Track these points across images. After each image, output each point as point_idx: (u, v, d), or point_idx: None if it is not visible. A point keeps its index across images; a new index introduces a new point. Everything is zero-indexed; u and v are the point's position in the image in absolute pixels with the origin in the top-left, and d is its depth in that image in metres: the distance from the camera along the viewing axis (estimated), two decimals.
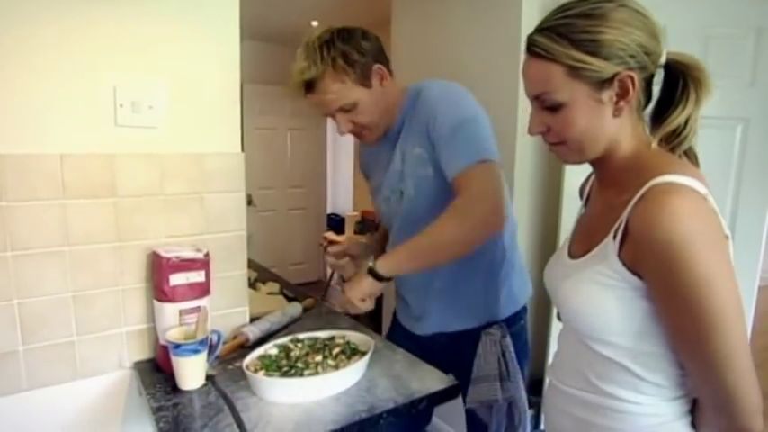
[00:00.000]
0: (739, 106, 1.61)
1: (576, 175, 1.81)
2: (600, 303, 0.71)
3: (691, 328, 0.64)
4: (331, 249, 1.33)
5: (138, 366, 1.12)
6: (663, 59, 0.72)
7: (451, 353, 1.26)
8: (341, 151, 5.68)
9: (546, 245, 1.95)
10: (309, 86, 1.13)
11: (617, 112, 0.71)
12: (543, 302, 1.82)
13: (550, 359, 1.79)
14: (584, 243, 0.78)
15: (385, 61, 1.18)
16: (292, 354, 1.08)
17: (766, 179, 1.66)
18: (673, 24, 1.63)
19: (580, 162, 0.78)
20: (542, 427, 0.94)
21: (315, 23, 4.07)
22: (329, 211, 5.39)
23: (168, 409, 0.95)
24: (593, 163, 0.79)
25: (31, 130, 0.98)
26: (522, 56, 1.79)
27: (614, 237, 0.69)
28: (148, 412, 0.95)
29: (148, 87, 1.08)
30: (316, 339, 1.15)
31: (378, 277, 1.06)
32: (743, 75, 1.60)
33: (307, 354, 1.08)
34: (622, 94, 0.69)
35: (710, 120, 1.54)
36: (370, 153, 1.37)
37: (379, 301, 2.91)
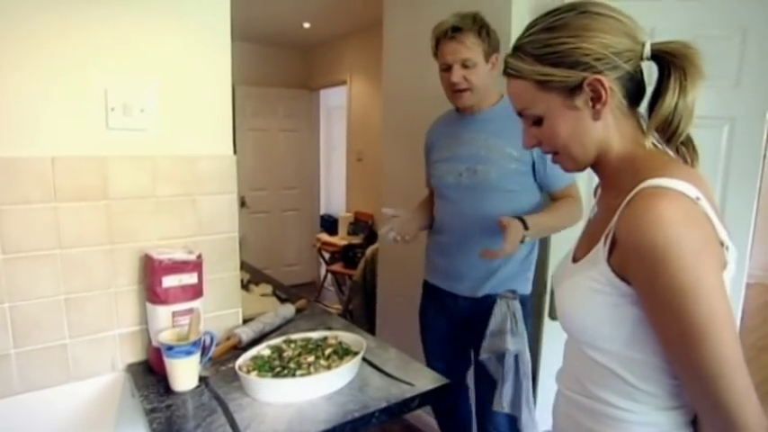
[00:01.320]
0: (726, 106, 1.63)
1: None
2: (589, 308, 0.71)
3: (678, 337, 0.61)
4: (385, 211, 1.55)
5: (131, 368, 1.12)
6: (646, 52, 0.70)
7: (473, 313, 1.50)
8: (334, 152, 5.68)
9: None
10: (456, 30, 1.38)
11: (596, 116, 0.71)
12: (536, 302, 1.83)
13: (542, 356, 1.81)
14: (585, 247, 0.77)
15: (498, 56, 1.44)
16: (285, 354, 1.09)
17: (752, 177, 1.68)
18: (661, 25, 1.65)
19: (577, 169, 0.78)
20: (548, 428, 0.95)
21: (307, 25, 4.08)
22: (322, 212, 5.39)
23: (161, 410, 0.95)
24: (592, 167, 0.79)
25: (21, 133, 0.98)
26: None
27: (605, 242, 0.69)
28: (142, 414, 0.95)
29: (140, 90, 1.09)
30: (308, 340, 1.16)
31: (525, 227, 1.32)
32: (729, 75, 1.62)
33: (299, 354, 1.09)
34: (596, 98, 0.69)
35: (698, 119, 1.56)
36: (446, 127, 1.58)
37: (371, 302, 2.92)
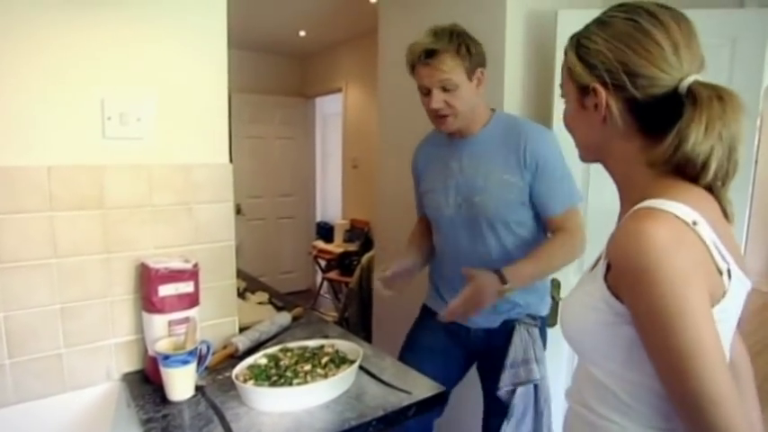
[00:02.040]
0: None
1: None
2: (585, 325, 0.71)
3: (665, 360, 0.59)
4: (379, 277, 1.34)
5: (127, 378, 1.11)
6: (684, 86, 0.64)
7: (484, 342, 1.40)
8: (330, 159, 5.69)
9: None
10: (430, 54, 1.25)
11: (603, 120, 0.70)
12: None
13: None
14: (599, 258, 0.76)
15: (484, 72, 1.33)
16: (282, 363, 1.09)
17: (744, 183, 1.70)
18: None
19: (583, 158, 0.81)
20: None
21: (302, 33, 4.10)
22: (318, 219, 5.39)
23: (158, 420, 0.94)
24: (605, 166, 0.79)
25: (17, 142, 0.98)
26: (507, 65, 1.81)
27: (604, 258, 0.68)
28: (137, 424, 0.94)
29: (136, 99, 1.09)
30: (305, 348, 1.16)
31: (503, 281, 1.19)
32: (720, 82, 1.64)
33: (296, 363, 1.09)
34: (597, 106, 0.69)
35: None
36: (434, 150, 1.46)
37: (368, 310, 2.92)
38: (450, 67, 1.25)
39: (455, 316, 1.18)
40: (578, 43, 0.71)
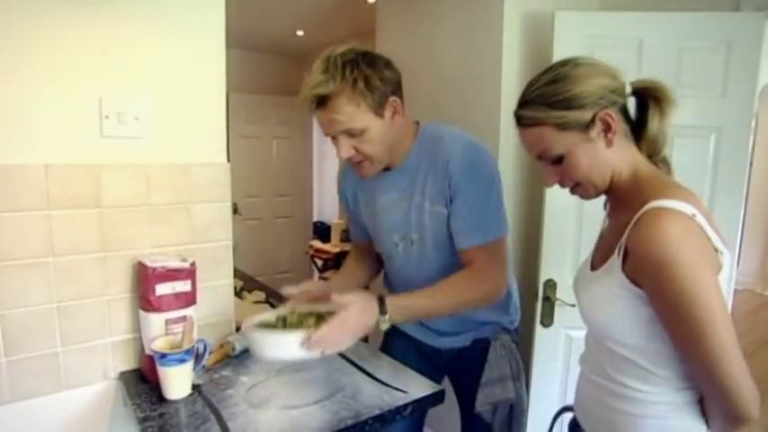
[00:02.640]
0: (712, 116, 1.66)
1: (557, 187, 1.85)
2: (611, 311, 0.83)
3: (683, 332, 0.73)
4: (288, 292, 1.16)
5: (124, 377, 1.11)
6: (628, 90, 0.84)
7: (458, 362, 1.31)
8: (326, 159, 5.69)
9: (528, 256, 1.98)
10: (321, 102, 1.05)
11: (609, 143, 0.83)
12: (527, 309, 1.85)
13: (533, 364, 1.82)
14: (602, 256, 0.89)
15: (401, 96, 1.14)
16: (288, 320, 1.06)
17: (739, 186, 1.72)
18: (648, 38, 1.69)
19: (597, 195, 0.90)
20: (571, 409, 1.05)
21: (300, 33, 4.10)
22: (315, 219, 5.39)
23: (154, 419, 0.95)
24: (605, 192, 0.91)
25: (14, 140, 0.98)
26: (505, 66, 1.82)
27: (618, 254, 0.80)
28: (134, 423, 0.95)
29: (134, 98, 1.09)
30: (312, 311, 1.09)
31: (382, 314, 1.01)
32: (715, 86, 1.65)
33: (301, 321, 1.05)
34: (607, 128, 0.82)
35: (685, 129, 1.59)
36: (358, 183, 1.31)
37: None
38: (349, 113, 1.04)
39: (320, 346, 0.94)
40: (552, 103, 0.82)
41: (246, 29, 3.89)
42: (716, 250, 0.75)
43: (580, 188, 0.89)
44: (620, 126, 0.83)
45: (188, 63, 1.16)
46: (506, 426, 1.25)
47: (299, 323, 1.04)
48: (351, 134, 1.08)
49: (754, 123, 1.83)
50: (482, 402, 1.21)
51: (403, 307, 1.04)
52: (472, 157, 1.14)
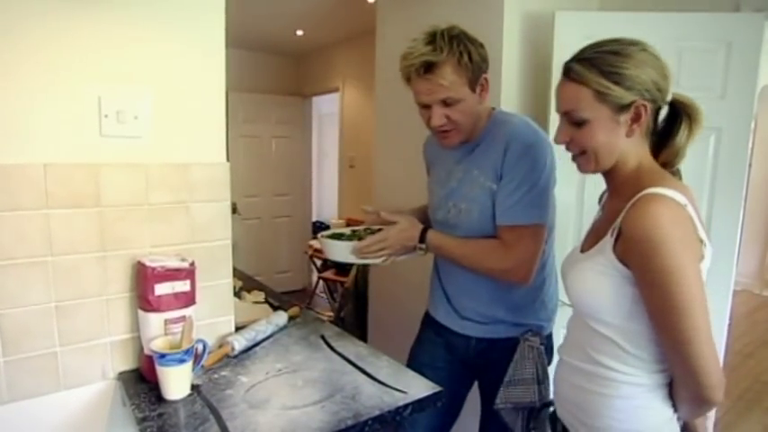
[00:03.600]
0: (711, 117, 1.64)
1: (558, 186, 1.86)
2: (597, 287, 0.88)
3: (662, 310, 0.79)
4: (365, 209, 1.41)
5: (123, 377, 1.11)
6: (669, 97, 0.88)
7: (484, 356, 1.33)
8: (326, 159, 5.69)
9: None
10: (428, 68, 1.13)
11: (630, 133, 0.87)
12: None
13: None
14: (592, 240, 0.94)
15: (488, 76, 1.23)
16: (357, 233, 1.32)
17: (738, 186, 1.72)
18: (649, 38, 1.68)
19: (594, 171, 0.93)
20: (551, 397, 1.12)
21: (300, 33, 4.10)
22: (314, 218, 5.39)
23: (153, 419, 0.94)
24: (605, 174, 0.95)
25: (13, 139, 0.97)
26: (504, 65, 1.82)
27: (611, 235, 0.86)
28: (133, 423, 0.94)
29: (134, 97, 1.09)
30: (381, 227, 1.31)
31: (421, 238, 1.24)
32: (714, 87, 1.66)
33: (365, 235, 1.29)
34: (636, 119, 0.86)
35: None
36: (437, 152, 1.41)
37: (363, 309, 2.92)
38: (452, 82, 1.14)
39: (362, 252, 1.22)
40: (606, 71, 0.84)
41: (246, 28, 3.88)
42: (700, 241, 0.81)
43: (583, 158, 0.92)
44: (646, 123, 0.87)
45: (188, 62, 1.15)
46: (525, 427, 1.24)
47: (363, 236, 1.25)
48: (446, 103, 1.17)
49: (753, 124, 1.83)
50: (502, 400, 1.24)
51: (438, 244, 1.24)
52: (529, 140, 1.19)
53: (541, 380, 1.24)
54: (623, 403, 0.87)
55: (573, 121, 0.89)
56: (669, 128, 0.90)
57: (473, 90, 1.18)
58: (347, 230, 1.37)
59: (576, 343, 0.97)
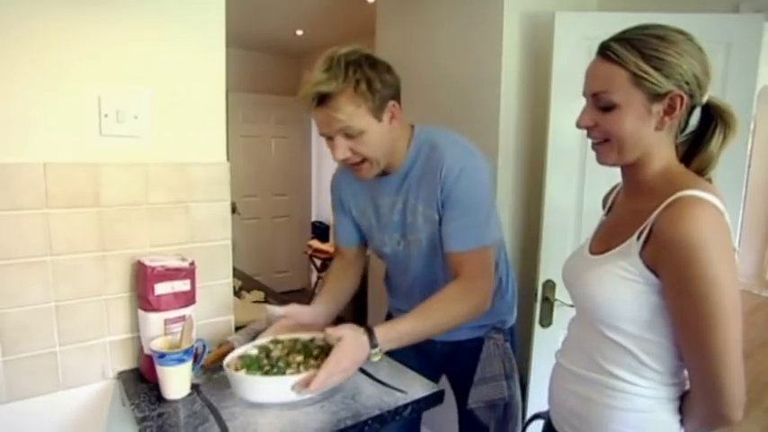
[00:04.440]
0: None
1: (557, 187, 1.84)
2: (618, 293, 0.81)
3: (695, 320, 0.73)
4: (273, 313, 1.15)
5: (122, 376, 1.11)
6: (706, 98, 0.82)
7: (453, 358, 1.33)
8: (325, 159, 5.68)
9: (527, 257, 1.98)
10: (322, 100, 1.05)
11: (660, 126, 0.81)
12: (526, 310, 1.85)
13: (532, 365, 1.82)
14: (605, 243, 0.88)
15: (399, 101, 1.14)
16: (272, 354, 1.06)
17: (738, 186, 1.72)
18: None
19: (616, 163, 0.87)
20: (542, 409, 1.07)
21: (299, 33, 4.09)
22: (314, 218, 5.38)
23: (153, 419, 0.94)
24: (623, 170, 0.89)
25: (13, 139, 0.97)
26: (504, 66, 1.81)
27: (638, 238, 0.79)
28: (133, 423, 0.94)
29: (133, 97, 1.09)
30: (296, 340, 1.13)
31: (373, 346, 1.01)
32: (714, 87, 1.65)
33: (287, 354, 1.06)
34: (669, 111, 0.79)
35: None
36: (355, 186, 1.30)
37: (362, 309, 2.92)
38: (350, 113, 1.04)
39: (317, 388, 0.93)
40: (647, 55, 0.78)
41: (246, 28, 3.88)
42: (734, 249, 0.76)
43: (605, 146, 0.85)
44: (678, 120, 0.81)
45: (187, 62, 1.15)
46: (501, 424, 1.27)
47: (285, 357, 1.04)
48: (348, 135, 1.08)
49: (752, 125, 1.83)
50: (474, 400, 1.25)
51: (392, 338, 1.03)
52: (462, 162, 1.14)
53: (509, 375, 1.26)
54: (634, 417, 0.83)
55: (601, 105, 0.82)
56: (702, 133, 0.84)
57: (378, 119, 1.08)
58: (251, 349, 1.07)
59: (581, 349, 0.91)
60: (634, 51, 0.79)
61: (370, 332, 1.01)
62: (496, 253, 1.24)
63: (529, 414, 1.84)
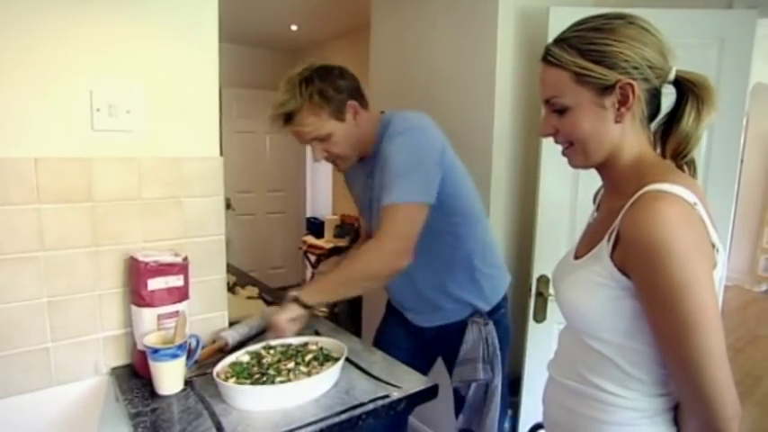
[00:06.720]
0: None
1: (551, 183, 1.85)
2: (592, 300, 0.77)
3: (670, 327, 0.68)
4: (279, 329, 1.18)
5: (116, 372, 1.10)
6: (672, 75, 0.77)
7: (441, 339, 1.41)
8: None
9: (521, 252, 1.99)
10: (288, 118, 1.23)
11: (618, 118, 0.77)
12: (520, 305, 1.86)
13: (527, 359, 1.83)
14: (587, 245, 0.83)
15: (360, 97, 1.28)
16: (264, 361, 1.06)
17: (730, 183, 1.73)
18: None
19: (585, 166, 0.84)
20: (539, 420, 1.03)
21: (294, 27, 4.08)
22: (308, 214, 5.38)
23: (146, 414, 0.94)
24: (598, 169, 0.85)
25: (4, 134, 0.96)
26: (499, 61, 1.82)
27: (608, 240, 0.75)
28: (126, 418, 0.94)
29: (126, 91, 1.08)
30: (288, 346, 1.13)
31: (303, 305, 1.15)
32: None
33: (279, 361, 1.07)
34: (623, 101, 0.75)
35: None
36: (351, 174, 1.47)
37: (357, 305, 2.92)
38: (312, 123, 1.22)
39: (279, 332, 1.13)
40: (584, 50, 0.75)
41: (240, 23, 3.86)
42: (712, 246, 0.70)
43: (571, 150, 0.83)
44: (638, 108, 0.76)
45: (181, 56, 1.14)
46: (481, 402, 1.35)
47: (276, 364, 1.05)
48: (319, 140, 1.25)
49: (745, 121, 1.85)
50: (455, 378, 1.35)
51: (317, 288, 1.18)
52: (400, 127, 1.23)
53: (487, 359, 1.32)
54: (619, 430, 0.78)
55: (555, 109, 0.80)
56: (677, 112, 0.79)
57: (340, 120, 1.24)
58: (243, 356, 1.09)
59: (568, 360, 0.87)
60: (572, 51, 0.76)
61: (297, 300, 1.15)
62: (462, 227, 1.32)
63: (529, 413, 1.86)
